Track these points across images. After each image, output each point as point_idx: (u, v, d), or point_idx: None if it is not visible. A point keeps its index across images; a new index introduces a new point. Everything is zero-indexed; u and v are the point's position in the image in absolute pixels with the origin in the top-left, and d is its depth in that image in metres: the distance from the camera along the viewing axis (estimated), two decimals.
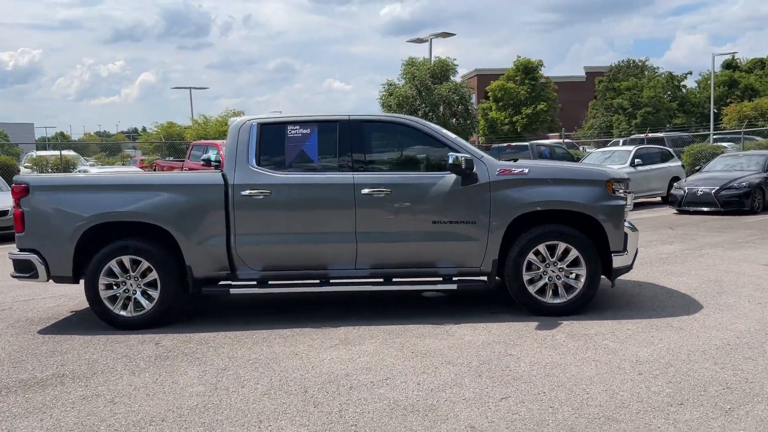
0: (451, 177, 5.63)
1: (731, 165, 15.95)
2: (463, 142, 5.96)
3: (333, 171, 5.74)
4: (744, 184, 14.14)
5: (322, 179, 5.72)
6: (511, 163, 5.88)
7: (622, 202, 5.72)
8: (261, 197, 5.61)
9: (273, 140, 5.84)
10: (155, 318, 5.67)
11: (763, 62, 70.56)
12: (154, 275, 5.64)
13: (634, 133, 38.37)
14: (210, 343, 5.17)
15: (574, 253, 5.61)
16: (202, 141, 20.01)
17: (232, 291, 5.76)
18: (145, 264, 5.63)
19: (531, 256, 5.63)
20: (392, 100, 20.89)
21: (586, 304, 5.68)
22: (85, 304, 6.03)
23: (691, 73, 67.06)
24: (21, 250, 5.75)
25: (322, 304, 6.43)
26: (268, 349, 4.92)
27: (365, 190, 5.60)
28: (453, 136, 5.97)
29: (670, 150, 18.83)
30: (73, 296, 7.06)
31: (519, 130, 32.96)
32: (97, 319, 5.71)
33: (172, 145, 38.03)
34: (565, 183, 5.74)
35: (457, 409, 3.64)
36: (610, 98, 49.85)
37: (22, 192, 5.69)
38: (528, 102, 31.91)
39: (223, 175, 5.71)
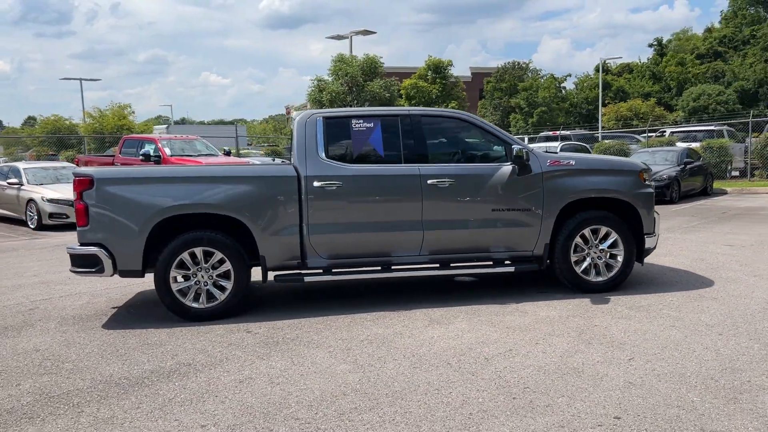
0: (507, 168, 6.12)
1: (647, 161, 17.61)
2: (511, 135, 6.46)
3: (398, 163, 6.06)
4: (665, 176, 15.73)
5: (390, 171, 6.02)
6: (559, 155, 6.47)
7: (651, 190, 6.48)
8: (333, 188, 5.84)
9: (339, 134, 6.07)
10: (228, 309, 5.75)
11: (630, 67, 76.67)
12: (226, 266, 5.71)
13: (530, 132, 40.82)
14: (302, 328, 5.35)
15: (614, 236, 6.28)
16: (136, 135, 19.23)
17: (306, 279, 5.95)
18: (218, 255, 5.69)
19: (578, 240, 6.25)
20: (324, 96, 21.04)
21: (623, 282, 6.38)
22: (122, 299, 6.01)
23: (570, 75, 71.61)
24: (84, 244, 5.62)
25: (367, 290, 6.72)
26: (368, 331, 5.19)
27: (431, 181, 5.98)
28: (502, 130, 6.46)
29: (588, 146, 20.42)
30: (96, 293, 6.93)
31: None
32: (149, 312, 5.73)
33: (60, 140, 35.92)
34: (606, 173, 6.41)
35: (601, 370, 4.15)
36: (498, 97, 52.66)
37: (85, 185, 5.57)
38: (439, 100, 33.12)
39: (294, 168, 5.87)
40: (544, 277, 6.88)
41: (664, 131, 26.04)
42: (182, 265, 5.69)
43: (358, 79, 20.96)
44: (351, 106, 20.85)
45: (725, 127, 23.27)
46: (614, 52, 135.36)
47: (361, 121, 6.12)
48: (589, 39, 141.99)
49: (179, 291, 5.69)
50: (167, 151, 16.17)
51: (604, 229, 6.28)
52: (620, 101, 63.75)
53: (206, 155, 16.78)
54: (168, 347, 4.96)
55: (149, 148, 16.49)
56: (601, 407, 3.56)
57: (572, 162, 6.32)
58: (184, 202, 5.67)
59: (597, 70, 72.93)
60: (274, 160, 23.37)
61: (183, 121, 74.53)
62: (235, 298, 5.76)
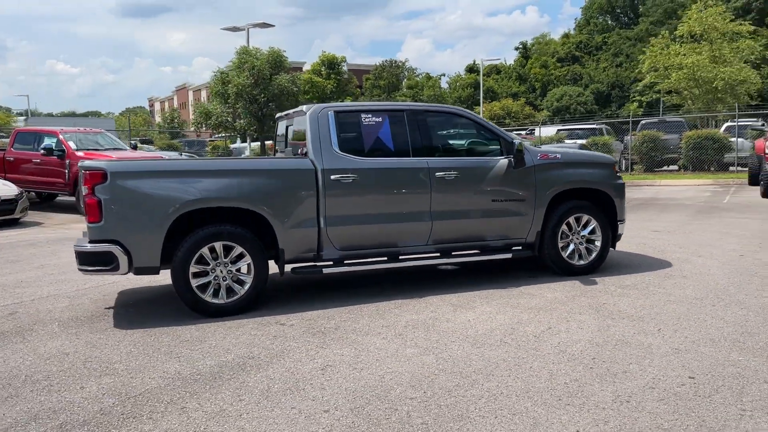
0: (504, 161, 6.54)
1: None
2: (504, 130, 6.90)
3: (407, 156, 6.29)
4: None
5: (402, 164, 6.24)
6: (547, 148, 6.98)
7: (623, 181, 7.18)
8: (349, 181, 5.97)
9: (349, 127, 6.19)
10: (248, 303, 5.72)
11: (498, 68, 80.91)
12: (246, 260, 5.68)
13: None
14: (335, 318, 5.45)
15: (593, 222, 6.91)
16: (31, 128, 17.70)
17: (325, 271, 6.02)
18: (237, 249, 5.64)
19: (564, 227, 6.81)
20: (230, 89, 20.38)
21: (601, 265, 7.03)
22: (108, 300, 5.83)
23: (444, 74, 74.41)
24: (95, 241, 5.35)
25: (370, 280, 6.90)
26: (402, 317, 5.39)
27: (438, 174, 6.27)
28: (495, 125, 6.88)
29: None
30: (72, 295, 6.59)
31: None
32: (151, 311, 5.61)
33: None
34: (587, 166, 7.03)
35: (643, 340, 4.66)
36: (377, 95, 53.92)
37: (97, 179, 5.31)
38: (334, 96, 33.27)
39: (311, 161, 5.93)
40: (516, 263, 7.34)
41: (533, 129, 28.03)
42: (201, 261, 5.58)
43: (264, 73, 20.64)
44: (258, 100, 20.53)
45: (604, 125, 25.49)
46: (473, 53, 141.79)
47: (370, 115, 6.29)
48: (450, 40, 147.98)
49: (199, 287, 5.57)
50: (72, 145, 15.13)
51: (585, 217, 6.88)
52: (492, 101, 67.12)
53: (113, 149, 15.90)
54: (210, 343, 4.88)
55: (50, 142, 15.35)
56: (671, 370, 4.04)
57: (558, 156, 6.87)
58: (206, 196, 5.56)
59: (468, 70, 76.29)
60: (181, 154, 22.52)
61: (30, 114, 68.78)
62: (255, 291, 5.73)
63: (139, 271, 5.51)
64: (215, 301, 5.62)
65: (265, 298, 6.16)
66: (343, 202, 5.98)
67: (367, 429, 3.35)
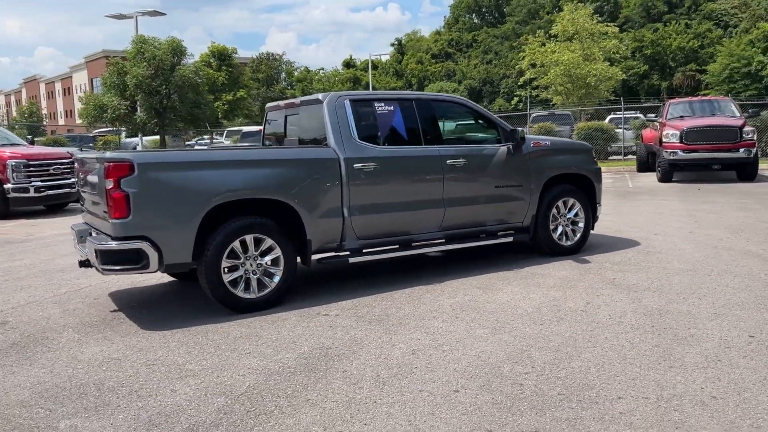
0: (504, 148, 6.81)
1: None
2: (500, 119, 7.16)
3: (419, 144, 6.38)
4: None
5: (417, 152, 6.32)
6: (539, 137, 7.33)
7: (599, 166, 7.71)
8: (370, 170, 5.97)
9: (365, 116, 6.17)
10: (278, 297, 5.58)
11: (375, 63, 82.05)
12: (275, 253, 5.53)
13: None
14: (377, 305, 5.45)
15: (577, 205, 7.37)
16: None
17: (351, 260, 5.98)
18: (267, 242, 5.48)
19: (554, 210, 7.20)
20: (129, 80, 18.99)
21: (584, 244, 7.51)
22: (103, 303, 5.53)
23: (323, 68, 74.40)
24: (122, 238, 4.98)
25: (380, 268, 6.91)
26: (443, 301, 5.50)
27: (449, 161, 6.43)
28: (493, 114, 7.12)
29: None
30: (57, 301, 6.14)
31: (219, 116, 33.04)
32: (168, 310, 5.39)
33: None
34: (572, 152, 7.49)
35: (679, 308, 5.09)
36: (256, 88, 53.07)
37: (124, 171, 4.94)
38: (226, 89, 32.21)
39: (333, 150, 5.86)
40: (495, 247, 7.63)
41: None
42: (233, 254, 5.36)
43: (165, 63, 19.54)
44: (159, 91, 19.39)
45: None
46: (339, 48, 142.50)
47: (383, 103, 6.31)
48: (315, 34, 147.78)
49: (230, 282, 5.35)
50: None
51: (571, 200, 7.33)
52: None
53: (10, 145, 14.53)
54: (269, 337, 4.73)
55: None
56: (728, 331, 4.48)
57: (548, 143, 7.26)
58: (239, 187, 5.36)
59: (346, 65, 76.69)
60: (81, 149, 20.84)
61: None
62: (285, 285, 5.59)
63: (169, 269, 5.20)
64: (247, 296, 5.42)
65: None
66: (365, 191, 5.97)
67: (511, 404, 3.45)
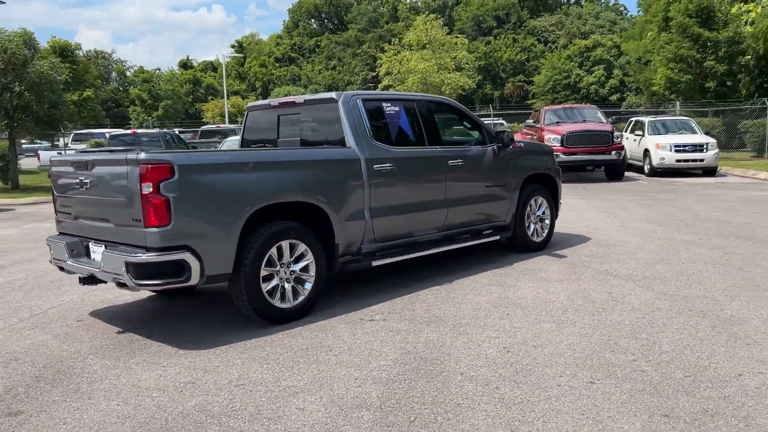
0: (491, 149, 7.02)
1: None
2: (481, 120, 7.34)
3: (423, 145, 6.38)
4: None
5: (425, 152, 6.31)
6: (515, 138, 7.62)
7: (558, 166, 8.20)
8: (388, 170, 5.88)
9: (376, 116, 6.05)
10: (310, 305, 5.32)
11: (214, 65, 79.61)
12: (307, 259, 5.27)
13: (156, 125, 39.46)
14: (413, 308, 5.38)
15: (545, 203, 7.79)
16: None
17: (374, 263, 5.82)
18: (300, 247, 5.21)
19: (528, 209, 7.55)
20: None
21: (550, 241, 7.94)
22: (111, 320, 5.08)
23: (159, 69, 70.70)
24: (162, 249, 4.47)
25: (382, 271, 6.79)
26: (472, 299, 5.55)
27: (451, 162, 6.51)
28: (475, 116, 7.29)
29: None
30: (34, 324, 5.41)
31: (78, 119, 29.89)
32: (187, 326, 5.00)
33: None
34: (541, 153, 7.88)
35: (696, 292, 5.59)
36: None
37: (164, 174, 4.44)
38: (71, 88, 29.26)
39: (354, 150, 5.69)
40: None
41: None
42: (270, 262, 5.02)
43: (18, 57, 17.17)
44: (10, 88, 17.00)
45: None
46: (158, 48, 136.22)
47: (389, 104, 6.24)
48: (131, 33, 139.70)
49: (268, 292, 5.01)
50: None
51: (540, 199, 7.73)
52: (212, 98, 65.71)
53: None
54: (341, 347, 4.49)
55: None
56: (759, 310, 5.02)
57: (522, 145, 7.59)
58: (279, 190, 5.05)
59: (182, 66, 73.51)
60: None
61: None
62: (316, 292, 5.33)
63: (210, 281, 4.73)
64: (283, 305, 5.10)
65: None
66: (383, 193, 5.85)
67: (654, 389, 3.61)
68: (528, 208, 7.53)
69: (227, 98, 53.81)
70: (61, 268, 5.40)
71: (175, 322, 5.28)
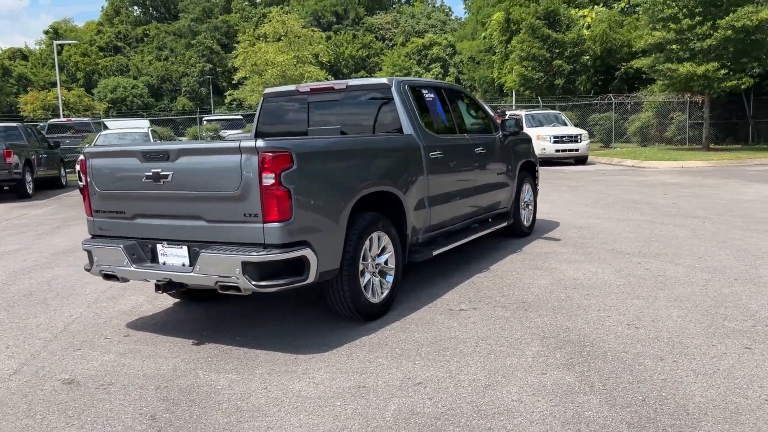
0: (498, 136, 7.15)
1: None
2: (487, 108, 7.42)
3: (455, 133, 6.35)
4: None
5: (462, 140, 6.28)
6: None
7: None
8: (440, 158, 5.79)
9: (421, 103, 5.91)
10: (392, 299, 5.12)
11: (24, 53, 72.08)
12: (389, 251, 5.06)
13: None
14: (481, 295, 5.37)
15: (530, 190, 8.10)
16: None
17: (435, 252, 5.68)
18: (384, 239, 4.99)
19: (521, 195, 7.81)
20: None
21: (534, 225, 8.28)
22: (163, 326, 4.69)
23: None
24: (285, 245, 4.06)
25: None
26: (535, 282, 5.65)
27: (477, 149, 6.56)
28: (482, 103, 7.36)
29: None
30: (77, 337, 4.75)
31: None
32: (258, 335, 4.69)
33: None
34: (526, 141, 8.12)
35: (717, 264, 6.16)
36: None
37: (285, 163, 4.02)
38: None
39: (414, 138, 5.53)
40: None
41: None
42: (364, 255, 4.75)
43: None
44: None
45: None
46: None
47: (427, 91, 6.12)
48: None
49: (364, 287, 4.74)
50: None
51: (526, 185, 8.02)
52: (26, 89, 59.59)
53: None
54: (467, 337, 4.37)
55: None
56: None
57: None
58: (372, 179, 4.80)
59: None
60: None
61: None
62: (396, 284, 5.13)
63: (323, 277, 4.34)
64: (374, 300, 4.85)
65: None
66: (437, 181, 5.73)
67: None
68: (521, 194, 7.78)
69: (48, 91, 49.08)
70: (109, 276, 4.65)
71: (249, 328, 4.78)
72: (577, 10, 31.37)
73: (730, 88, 19.65)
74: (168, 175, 4.24)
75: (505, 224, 7.29)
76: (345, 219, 4.43)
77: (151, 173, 4.31)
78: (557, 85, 28.36)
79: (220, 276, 4.07)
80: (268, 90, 6.37)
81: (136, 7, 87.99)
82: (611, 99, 25.04)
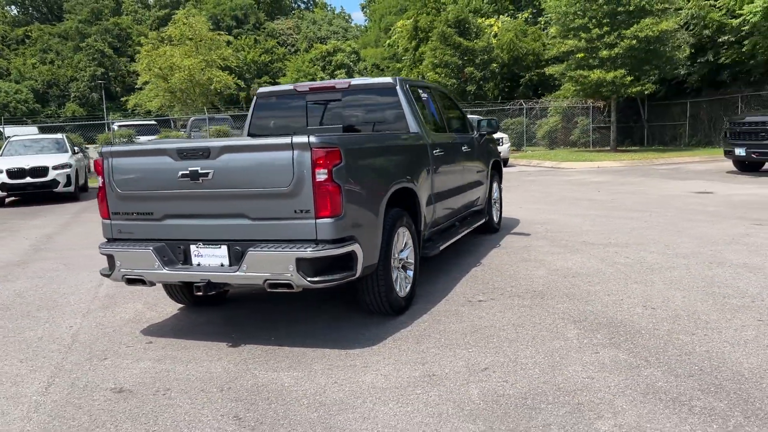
0: (476, 135, 7.39)
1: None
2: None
3: (446, 131, 6.53)
4: None
5: (453, 138, 6.46)
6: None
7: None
8: (442, 156, 5.95)
9: (419, 102, 6.04)
10: (414, 293, 5.22)
11: None
12: (410, 246, 5.17)
13: None
14: (494, 287, 5.57)
15: (497, 188, 8.43)
16: None
17: (441, 247, 5.81)
18: (406, 235, 5.09)
19: (492, 193, 8.11)
20: None
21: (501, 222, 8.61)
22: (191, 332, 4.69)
23: None
24: (336, 241, 4.08)
25: None
26: (538, 273, 5.94)
27: (463, 148, 6.78)
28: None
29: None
30: (98, 348, 4.58)
31: None
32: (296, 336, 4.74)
33: None
34: (493, 141, 8.43)
35: (709, 249, 6.69)
36: None
37: (335, 159, 4.05)
38: None
39: (420, 135, 5.66)
40: None
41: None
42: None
43: None
44: None
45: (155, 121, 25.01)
46: None
47: (422, 90, 6.26)
48: None
49: (394, 282, 4.82)
50: None
51: (494, 183, 8.34)
52: None
53: None
54: (501, 323, 4.55)
55: None
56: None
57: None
58: (406, 175, 4.93)
59: None
60: None
61: None
62: (416, 279, 5.24)
63: (364, 271, 4.36)
64: (401, 294, 4.93)
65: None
66: (439, 178, 5.88)
67: None
68: (492, 192, 8.08)
69: None
70: (134, 281, 4.44)
71: (274, 329, 4.72)
72: (483, 19, 32.59)
73: (635, 94, 21.19)
74: (208, 173, 4.13)
75: (482, 221, 7.54)
76: (382, 214, 4.48)
77: (188, 171, 4.17)
78: (469, 92, 29.31)
79: (271, 274, 4.01)
80: (261, 90, 6.29)
81: (12, 7, 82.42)
82: (522, 104, 26.23)
